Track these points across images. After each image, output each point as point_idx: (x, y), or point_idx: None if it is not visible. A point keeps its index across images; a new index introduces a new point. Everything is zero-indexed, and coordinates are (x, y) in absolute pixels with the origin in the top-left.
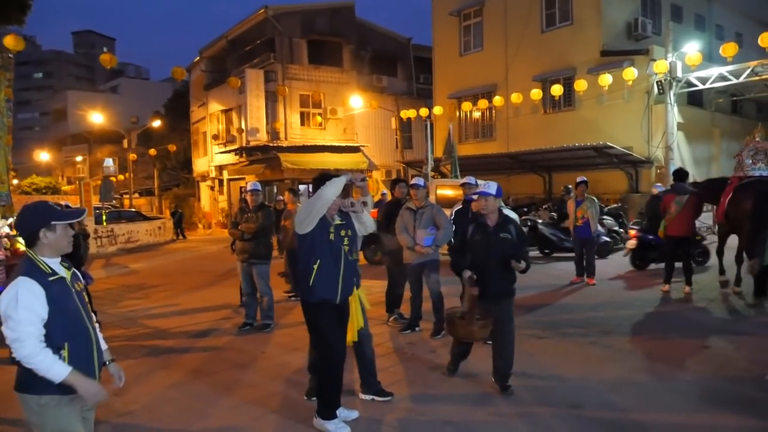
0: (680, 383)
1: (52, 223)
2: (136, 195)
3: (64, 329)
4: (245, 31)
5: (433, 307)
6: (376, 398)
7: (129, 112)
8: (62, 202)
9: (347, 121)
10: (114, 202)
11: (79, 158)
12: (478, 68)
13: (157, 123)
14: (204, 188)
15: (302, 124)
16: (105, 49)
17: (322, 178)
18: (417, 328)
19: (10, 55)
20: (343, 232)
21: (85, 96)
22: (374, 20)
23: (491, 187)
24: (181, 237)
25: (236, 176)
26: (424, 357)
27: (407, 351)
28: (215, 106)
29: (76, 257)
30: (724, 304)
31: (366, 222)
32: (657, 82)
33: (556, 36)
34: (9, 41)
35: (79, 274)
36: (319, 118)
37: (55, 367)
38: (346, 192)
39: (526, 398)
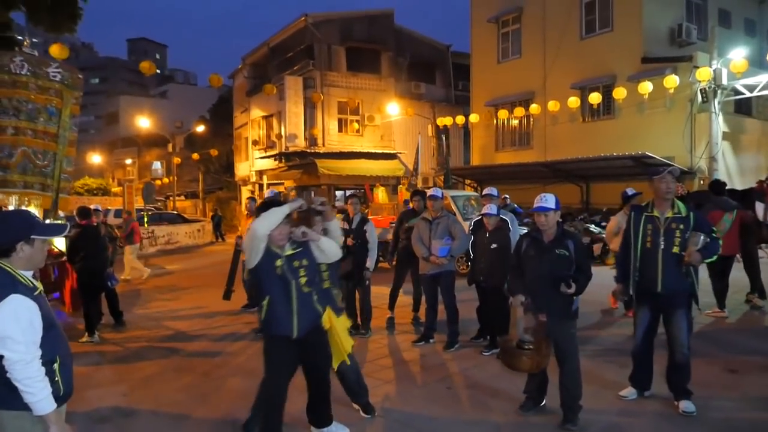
0: (699, 410)
1: (32, 237)
2: (182, 197)
3: (53, 344)
4: (286, 39)
5: (447, 319)
6: (361, 412)
7: (177, 117)
8: (92, 206)
9: (384, 128)
10: (159, 204)
11: (128, 161)
12: (516, 75)
13: (201, 128)
14: (245, 192)
15: (340, 130)
16: (157, 56)
17: (263, 206)
18: (431, 340)
19: (80, 76)
20: (296, 263)
21: (137, 101)
22: (414, 27)
23: (549, 200)
24: (220, 239)
25: (275, 181)
26: (433, 370)
27: (417, 363)
28: (257, 112)
29: (101, 259)
30: (760, 325)
31: (326, 250)
32: (701, 89)
33: (595, 43)
34: (54, 50)
35: None
36: (356, 125)
37: (49, 396)
38: (304, 219)
39: (528, 417)
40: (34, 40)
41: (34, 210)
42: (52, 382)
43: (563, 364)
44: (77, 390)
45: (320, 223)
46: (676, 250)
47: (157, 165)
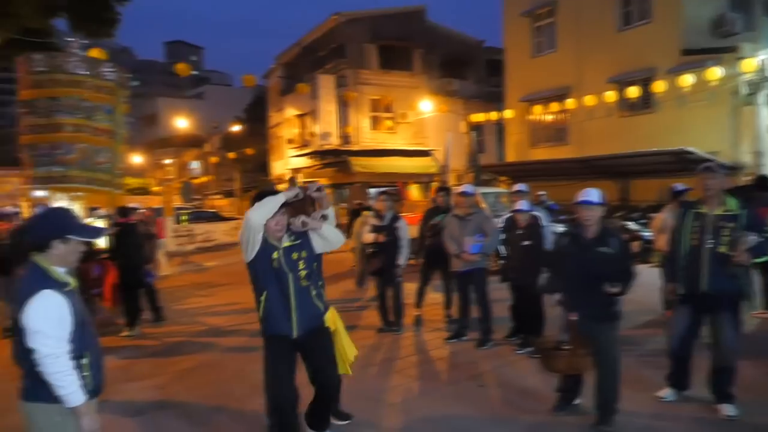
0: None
1: (68, 236)
2: (219, 196)
3: (83, 339)
4: (318, 38)
5: (479, 316)
6: (335, 420)
7: (213, 117)
8: (131, 204)
9: (417, 125)
10: (197, 203)
11: (167, 161)
12: (551, 70)
13: (236, 128)
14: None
15: (373, 128)
16: (194, 58)
17: (257, 196)
18: (464, 338)
19: (128, 75)
20: (295, 255)
21: (174, 102)
22: (446, 23)
23: (593, 194)
24: None
25: (310, 179)
26: (464, 368)
27: (449, 361)
28: (291, 111)
29: (138, 256)
30: None
31: (329, 237)
32: (746, 82)
33: (633, 35)
34: (93, 54)
35: None
36: (389, 122)
37: (79, 389)
38: (301, 208)
39: (561, 417)
40: (84, 41)
41: (78, 208)
42: (81, 377)
43: (602, 366)
44: (115, 382)
45: (318, 210)
46: (723, 249)
47: (194, 164)
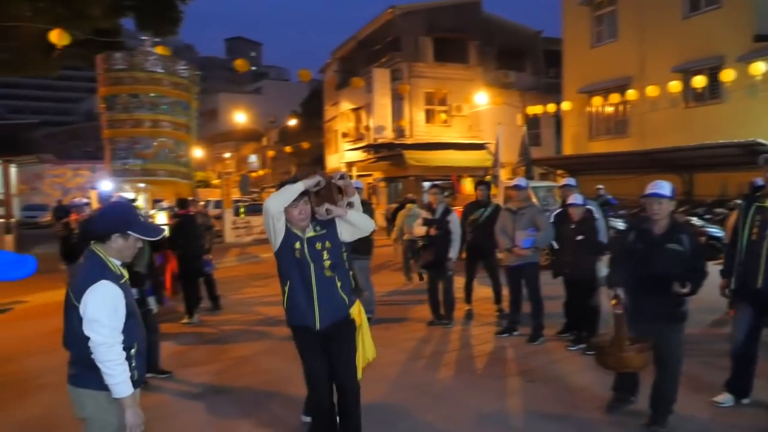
0: None
1: (128, 232)
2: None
3: (132, 332)
4: (373, 32)
5: (531, 311)
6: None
7: (271, 112)
8: (190, 198)
9: (472, 118)
10: (254, 195)
11: (226, 155)
12: (611, 60)
13: (293, 122)
14: None
15: (427, 121)
16: (253, 54)
17: (279, 185)
18: (515, 333)
19: (198, 73)
20: (319, 245)
21: (234, 97)
22: (503, 14)
23: (664, 187)
24: None
25: (364, 173)
26: (514, 363)
27: (499, 355)
28: (346, 105)
29: (196, 247)
30: None
31: (357, 223)
32: None
33: (700, 21)
34: (159, 50)
35: None
36: (443, 116)
37: (127, 381)
38: (326, 197)
39: (613, 415)
40: (155, 39)
41: (143, 200)
42: (129, 368)
43: (664, 367)
44: (174, 366)
45: (343, 198)
46: None
47: (252, 158)
